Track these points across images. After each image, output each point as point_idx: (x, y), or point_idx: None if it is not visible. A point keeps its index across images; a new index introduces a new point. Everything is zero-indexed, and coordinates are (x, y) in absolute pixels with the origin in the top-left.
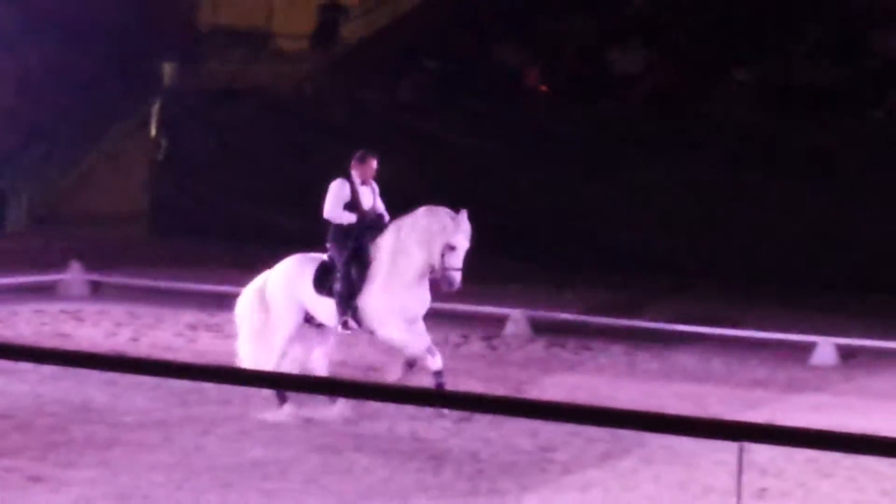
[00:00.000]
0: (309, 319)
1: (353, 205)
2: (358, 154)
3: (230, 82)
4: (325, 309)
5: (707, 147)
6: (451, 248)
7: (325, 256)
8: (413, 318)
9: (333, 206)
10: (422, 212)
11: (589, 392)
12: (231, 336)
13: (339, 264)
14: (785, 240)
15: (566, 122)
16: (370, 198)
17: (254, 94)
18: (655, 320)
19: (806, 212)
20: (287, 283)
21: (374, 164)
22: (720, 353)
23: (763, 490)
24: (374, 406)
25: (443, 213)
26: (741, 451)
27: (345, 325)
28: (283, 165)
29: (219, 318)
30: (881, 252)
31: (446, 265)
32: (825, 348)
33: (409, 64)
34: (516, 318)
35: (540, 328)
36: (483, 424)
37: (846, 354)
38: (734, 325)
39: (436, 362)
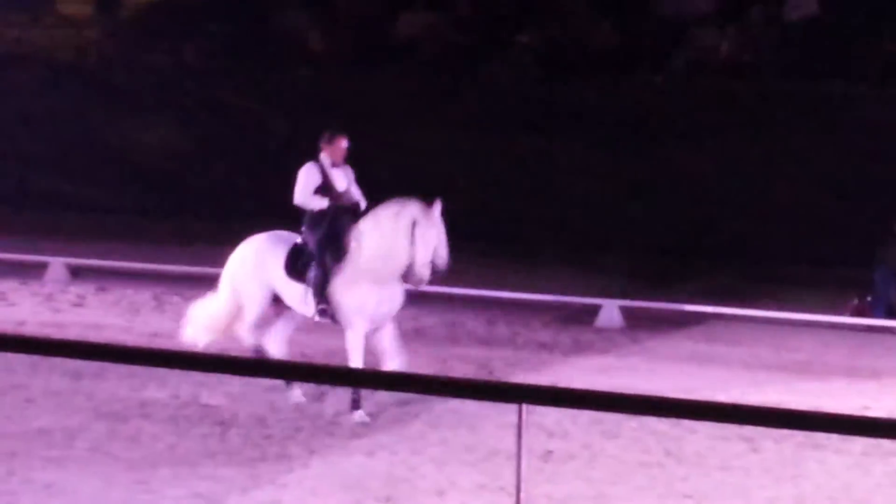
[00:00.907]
0: (275, 301)
1: (325, 188)
2: (325, 135)
3: (12, 48)
4: (295, 294)
5: (486, 111)
6: (424, 242)
7: (297, 238)
8: (382, 319)
9: (303, 191)
10: (396, 204)
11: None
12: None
13: (313, 250)
14: (567, 202)
15: (348, 88)
16: (343, 181)
17: (37, 60)
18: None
19: (586, 174)
20: (257, 263)
21: (343, 144)
22: (505, 316)
23: (549, 452)
24: (159, 372)
25: (415, 205)
26: (521, 413)
27: (322, 312)
28: (69, 131)
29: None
30: (663, 214)
31: (417, 260)
32: (610, 310)
33: (194, 28)
34: None
35: None
36: (267, 389)
37: (631, 316)
38: (518, 289)
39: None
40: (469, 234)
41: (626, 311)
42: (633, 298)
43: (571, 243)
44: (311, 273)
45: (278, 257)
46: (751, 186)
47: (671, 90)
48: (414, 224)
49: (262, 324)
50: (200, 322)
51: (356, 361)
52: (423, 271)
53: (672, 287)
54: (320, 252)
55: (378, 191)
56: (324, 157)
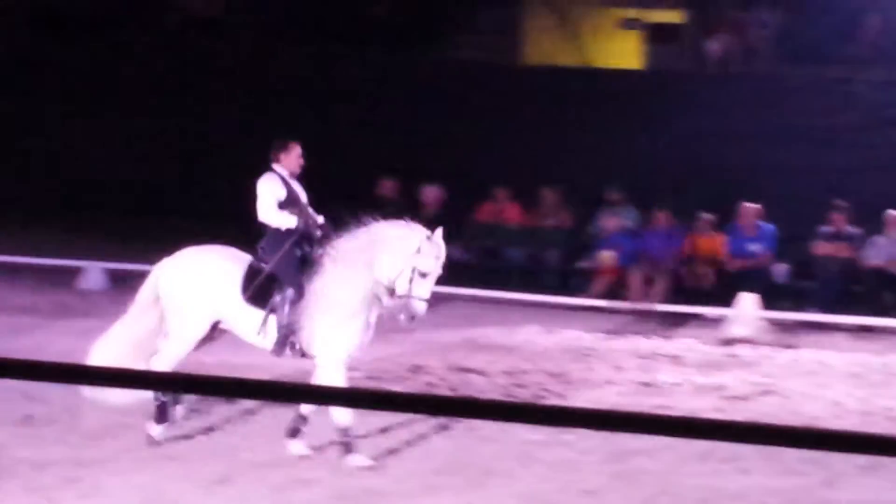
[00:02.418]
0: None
1: (290, 202)
2: (277, 143)
3: None
4: (251, 322)
5: None
6: (423, 274)
7: (247, 256)
8: (357, 350)
9: (270, 206)
10: (390, 226)
11: None
12: None
13: (278, 273)
14: (51, 163)
15: None
16: (303, 193)
17: None
18: None
19: (73, 135)
20: (205, 283)
21: (298, 150)
22: None
23: (29, 417)
24: None
25: (418, 230)
26: None
27: (292, 346)
28: None
29: None
30: (151, 174)
31: (412, 293)
32: (93, 273)
33: None
34: None
35: None
36: None
37: (116, 279)
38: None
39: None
40: None
41: (110, 273)
42: (117, 260)
43: (50, 203)
44: (277, 299)
45: (233, 278)
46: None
47: (158, 49)
48: (418, 251)
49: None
50: (105, 360)
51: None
52: (420, 308)
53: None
54: (290, 275)
55: None
56: (279, 167)
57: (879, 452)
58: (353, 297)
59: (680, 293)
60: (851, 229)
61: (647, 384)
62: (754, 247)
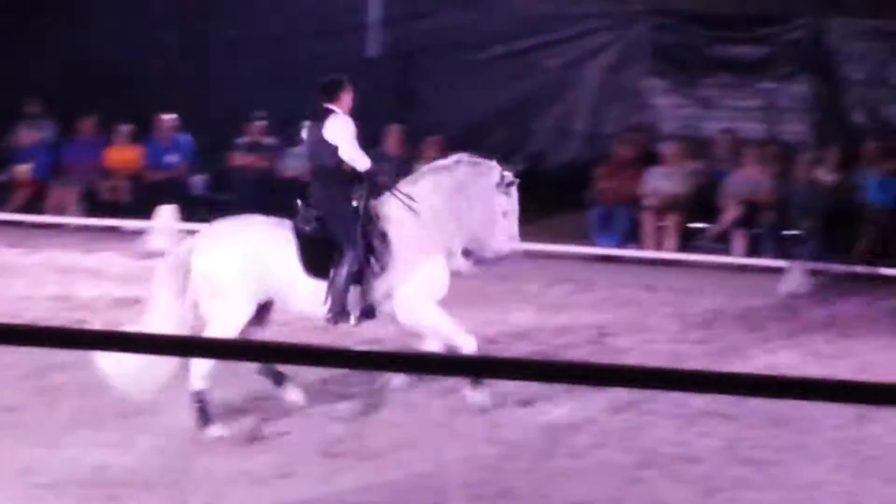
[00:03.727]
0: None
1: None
2: (336, 80)
3: None
4: (311, 294)
5: None
6: (505, 211)
7: (286, 221)
8: (440, 296)
9: (355, 145)
10: (469, 162)
11: None
12: None
13: (344, 237)
14: None
15: None
16: None
17: None
18: None
19: None
20: (257, 261)
21: (350, 94)
22: None
23: None
24: None
25: (494, 166)
26: None
27: (369, 314)
28: None
29: None
30: None
31: (500, 231)
32: None
33: None
34: None
35: None
36: None
37: None
38: None
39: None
40: None
41: None
42: None
43: None
44: (342, 265)
45: (288, 250)
46: None
47: None
48: (497, 187)
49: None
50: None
51: (460, 338)
52: (505, 245)
53: None
54: (352, 234)
55: None
56: (337, 107)
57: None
58: (446, 240)
59: (98, 206)
60: (268, 140)
61: (65, 298)
62: (171, 158)
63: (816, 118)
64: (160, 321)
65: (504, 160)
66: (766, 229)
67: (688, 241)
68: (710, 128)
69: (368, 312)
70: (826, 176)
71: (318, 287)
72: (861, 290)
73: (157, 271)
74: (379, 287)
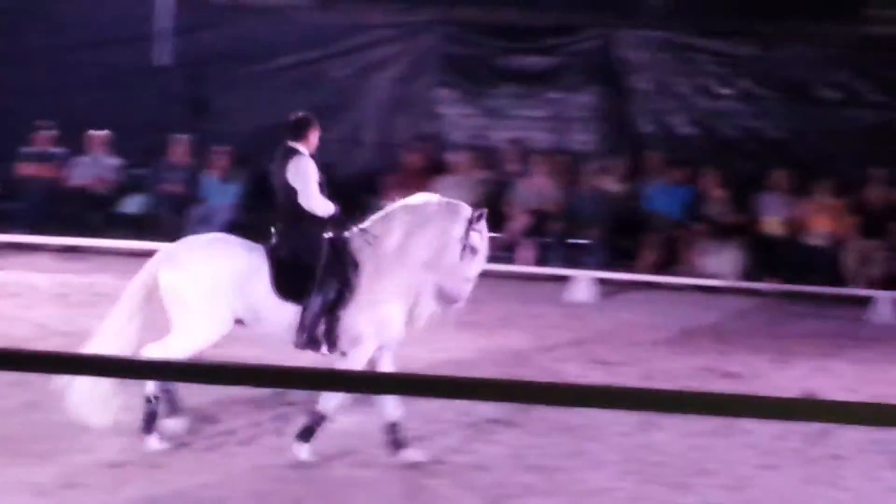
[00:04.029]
0: None
1: (321, 187)
2: (304, 119)
3: None
4: (281, 318)
5: None
6: (473, 251)
7: (259, 245)
8: (390, 342)
9: (315, 191)
10: (438, 203)
11: None
12: None
13: (316, 265)
14: None
15: None
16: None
17: None
18: None
19: None
20: (224, 279)
21: (318, 133)
22: None
23: None
24: None
25: (464, 207)
26: None
27: (328, 338)
28: None
29: None
30: None
31: (459, 273)
32: None
33: None
34: None
35: None
36: None
37: None
38: None
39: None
40: None
41: None
42: None
43: None
44: (313, 291)
45: (262, 271)
46: None
47: None
48: (468, 227)
49: None
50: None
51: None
52: (466, 288)
53: None
54: (325, 264)
55: None
56: (302, 147)
57: None
58: (405, 278)
59: None
60: (55, 149)
61: None
62: None
63: (604, 128)
64: (113, 332)
65: None
66: (553, 238)
67: None
68: (499, 137)
69: (333, 342)
70: (612, 185)
71: (290, 311)
72: (646, 298)
73: (129, 284)
74: (346, 318)
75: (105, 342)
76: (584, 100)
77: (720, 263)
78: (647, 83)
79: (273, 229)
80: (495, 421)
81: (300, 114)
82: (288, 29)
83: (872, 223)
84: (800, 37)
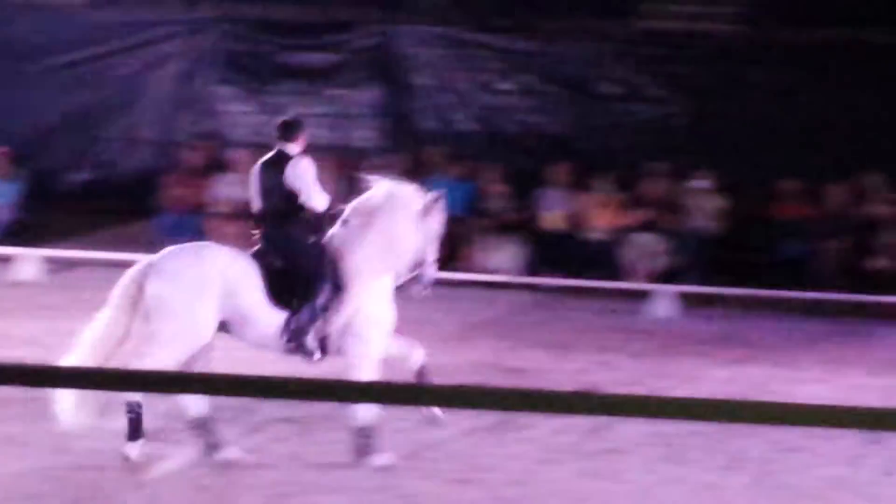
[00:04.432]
0: None
1: None
2: (294, 121)
3: None
4: (270, 324)
5: None
6: (434, 237)
7: (244, 252)
8: (387, 336)
9: (318, 189)
10: (408, 192)
11: None
12: None
13: (313, 269)
14: None
15: None
16: None
17: None
18: None
19: None
20: (215, 283)
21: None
22: None
23: None
24: None
25: (417, 190)
26: None
27: (320, 347)
28: None
29: None
30: None
31: (427, 259)
32: None
33: None
34: None
35: None
36: None
37: None
38: None
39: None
40: None
41: None
42: None
43: None
44: (304, 297)
45: (250, 278)
46: None
47: None
48: (432, 214)
49: None
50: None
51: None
52: (432, 272)
53: None
54: (314, 267)
55: None
56: (296, 148)
57: None
58: (394, 269)
59: None
60: None
61: None
62: None
63: (385, 125)
64: (95, 338)
65: (71, 168)
66: None
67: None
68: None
69: (324, 346)
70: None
71: (280, 318)
72: (438, 295)
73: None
74: (338, 321)
75: (86, 352)
76: (366, 96)
77: (501, 259)
78: (428, 79)
79: (256, 234)
80: (277, 419)
81: (289, 116)
82: (67, 26)
83: (651, 217)
84: (579, 32)
